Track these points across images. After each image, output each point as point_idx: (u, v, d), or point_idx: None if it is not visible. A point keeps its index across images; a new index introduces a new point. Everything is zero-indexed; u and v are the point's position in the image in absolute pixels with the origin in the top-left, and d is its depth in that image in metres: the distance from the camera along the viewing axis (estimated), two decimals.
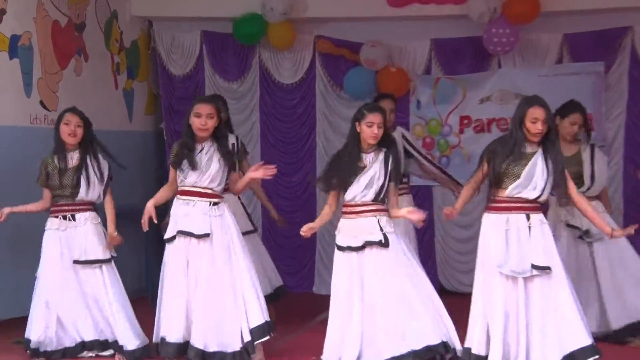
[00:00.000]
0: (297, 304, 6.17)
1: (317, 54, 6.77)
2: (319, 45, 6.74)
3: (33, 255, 4.84)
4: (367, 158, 4.30)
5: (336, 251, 4.32)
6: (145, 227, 4.35)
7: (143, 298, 6.42)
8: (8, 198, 5.22)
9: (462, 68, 6.57)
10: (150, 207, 4.41)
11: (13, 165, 5.39)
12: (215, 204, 4.43)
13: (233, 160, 4.49)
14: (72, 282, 4.58)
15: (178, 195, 4.45)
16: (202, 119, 4.40)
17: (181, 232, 4.38)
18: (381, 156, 4.27)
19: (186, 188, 4.42)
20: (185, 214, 4.39)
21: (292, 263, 6.87)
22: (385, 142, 4.29)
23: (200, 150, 4.42)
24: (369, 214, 4.24)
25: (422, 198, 6.60)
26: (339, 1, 6.52)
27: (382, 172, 4.25)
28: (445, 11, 6.41)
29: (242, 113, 6.89)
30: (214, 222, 4.39)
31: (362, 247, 4.22)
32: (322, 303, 6.07)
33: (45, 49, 5.70)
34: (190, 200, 4.40)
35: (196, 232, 4.36)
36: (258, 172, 4.38)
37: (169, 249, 4.48)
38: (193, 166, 4.36)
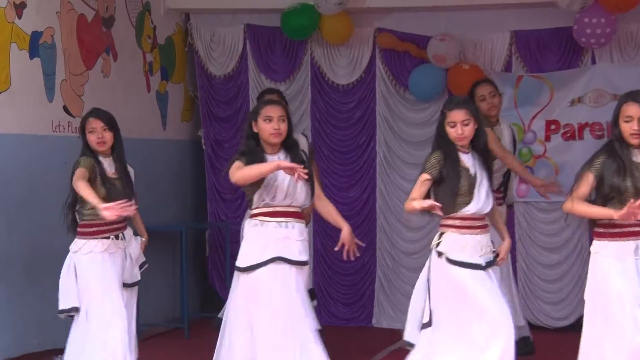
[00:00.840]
0: (355, 340, 6.09)
1: (378, 50, 6.67)
2: (380, 39, 6.63)
3: (54, 283, 4.66)
4: (465, 158, 4.14)
5: (455, 268, 4.05)
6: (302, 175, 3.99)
7: (179, 331, 6.31)
8: (27, 214, 5.25)
9: (549, 64, 6.43)
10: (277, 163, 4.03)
11: (32, 178, 5.38)
12: (305, 225, 4.29)
13: (310, 172, 4.15)
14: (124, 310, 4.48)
15: (263, 217, 4.16)
16: (274, 123, 4.15)
17: (282, 259, 4.10)
18: (476, 156, 4.17)
19: (280, 209, 4.17)
20: (283, 238, 4.14)
21: (349, 291, 6.81)
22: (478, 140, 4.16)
23: None
24: (485, 230, 4.14)
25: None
26: None
27: (485, 175, 4.13)
28: None
29: (290, 118, 6.76)
30: (305, 247, 4.23)
31: (485, 267, 4.08)
32: (385, 338, 5.95)
33: (70, 47, 5.69)
34: (287, 222, 4.16)
35: (297, 259, 4.15)
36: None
37: (255, 276, 4.12)
38: (280, 185, 4.10)
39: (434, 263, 4.08)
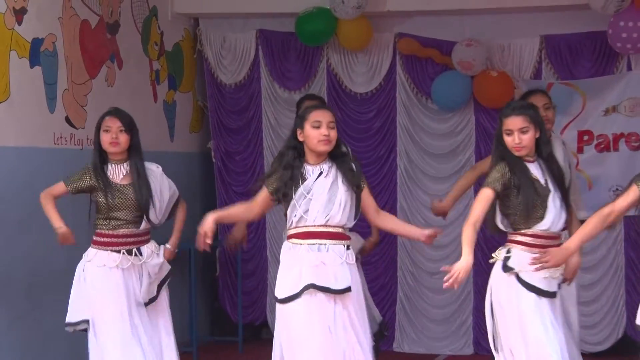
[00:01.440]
0: None
1: (398, 56, 6.66)
2: (401, 45, 6.62)
3: (55, 303, 4.66)
4: (532, 168, 4.05)
5: (522, 289, 3.93)
6: (203, 247, 3.95)
7: (187, 355, 6.32)
8: (27, 231, 5.21)
9: (581, 71, 6.40)
10: (210, 222, 3.93)
11: (33, 194, 5.25)
12: (349, 246, 4.03)
13: (358, 182, 4.03)
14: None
15: (296, 239, 3.99)
16: (323, 129, 3.99)
17: (315, 287, 3.89)
18: (543, 164, 4.07)
19: (311, 229, 3.96)
20: (317, 263, 3.92)
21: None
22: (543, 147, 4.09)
23: (319, 174, 4.00)
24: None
25: None
26: None
27: (557, 186, 4.03)
28: (559, 0, 6.23)
29: None
30: (352, 271, 4.00)
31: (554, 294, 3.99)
32: None
33: (72, 55, 5.69)
34: (321, 244, 3.95)
35: (335, 287, 3.92)
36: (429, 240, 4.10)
37: (290, 308, 3.96)
38: (313, 197, 3.94)
39: (498, 279, 3.95)
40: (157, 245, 4.61)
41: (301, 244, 3.96)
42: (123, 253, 4.45)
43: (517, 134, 3.96)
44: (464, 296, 6.59)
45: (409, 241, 6.70)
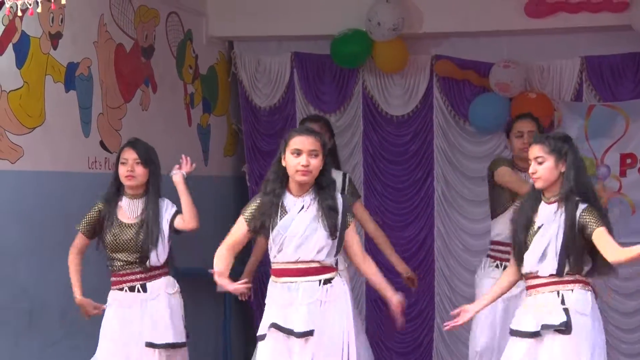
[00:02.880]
0: None
1: (436, 78, 6.68)
2: (438, 67, 6.64)
3: (90, 332, 4.68)
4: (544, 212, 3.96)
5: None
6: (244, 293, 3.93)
7: None
8: (61, 257, 5.11)
9: (623, 92, 6.37)
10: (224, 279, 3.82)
11: (67, 219, 5.28)
12: (328, 280, 3.81)
13: (335, 222, 3.77)
14: None
15: (273, 276, 3.86)
16: (302, 157, 3.74)
17: (278, 328, 3.78)
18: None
19: (282, 266, 3.79)
20: (284, 304, 3.78)
21: (404, 341, 6.74)
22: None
23: (300, 209, 3.79)
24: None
25: None
26: (462, 13, 6.39)
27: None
28: (600, 21, 6.19)
29: (341, 152, 6.66)
30: (326, 310, 3.78)
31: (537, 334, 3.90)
32: None
33: (107, 79, 5.73)
34: (291, 282, 3.79)
35: (296, 330, 3.77)
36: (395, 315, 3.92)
37: (259, 347, 3.92)
38: (289, 234, 3.74)
39: None
40: (173, 281, 4.47)
41: (276, 282, 3.83)
42: (125, 291, 4.36)
43: (534, 163, 3.88)
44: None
45: (447, 267, 6.68)
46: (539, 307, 3.84)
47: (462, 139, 6.63)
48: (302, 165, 3.73)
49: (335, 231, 3.78)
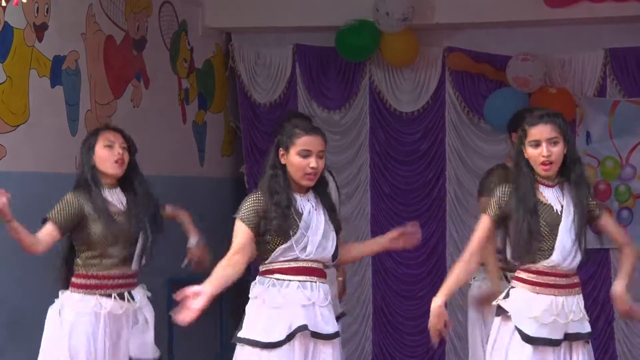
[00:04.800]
0: None
1: (448, 72, 6.70)
2: (451, 60, 6.65)
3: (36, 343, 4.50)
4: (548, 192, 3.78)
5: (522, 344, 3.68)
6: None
7: None
8: (43, 265, 4.93)
9: None
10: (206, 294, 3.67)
11: None
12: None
13: (339, 222, 3.84)
14: None
15: (281, 274, 3.74)
16: (312, 159, 3.70)
17: (304, 330, 3.66)
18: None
19: (302, 264, 3.71)
20: (306, 304, 3.69)
21: (414, 353, 6.77)
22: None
23: (310, 208, 3.75)
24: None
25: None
26: (477, 2, 6.46)
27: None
28: (625, 11, 6.17)
29: (346, 152, 6.87)
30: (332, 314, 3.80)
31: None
32: None
33: (96, 74, 5.72)
34: (312, 282, 3.71)
35: (325, 332, 3.71)
36: (397, 242, 3.85)
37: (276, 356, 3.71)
38: (306, 230, 3.69)
39: (495, 325, 3.72)
40: (146, 291, 4.28)
41: (288, 280, 3.72)
42: (115, 298, 4.10)
43: (546, 145, 3.66)
44: None
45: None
46: (560, 311, 3.65)
47: (477, 138, 6.65)
48: (312, 168, 3.69)
49: (340, 231, 3.82)
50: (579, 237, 3.65)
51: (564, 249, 3.62)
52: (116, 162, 4.13)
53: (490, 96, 6.45)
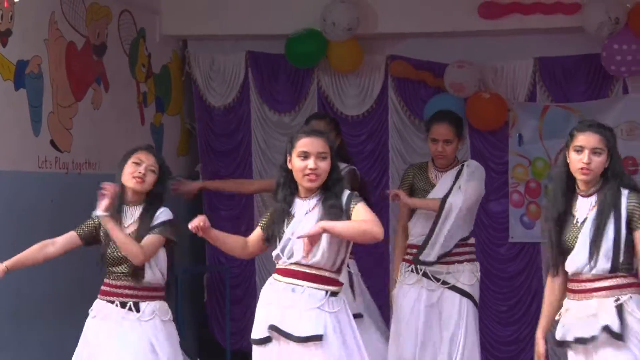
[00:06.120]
0: None
1: (391, 79, 6.76)
2: (393, 67, 6.74)
3: (39, 331, 4.62)
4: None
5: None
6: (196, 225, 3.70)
7: None
8: (9, 255, 4.98)
9: (576, 94, 6.52)
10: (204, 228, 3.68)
11: (15, 218, 5.32)
12: (333, 293, 3.67)
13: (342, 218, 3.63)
14: None
15: (277, 274, 3.74)
16: (311, 160, 3.64)
17: (276, 330, 3.63)
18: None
19: (294, 267, 3.65)
20: (287, 305, 3.65)
21: None
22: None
23: (306, 211, 3.68)
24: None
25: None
26: (417, 13, 6.48)
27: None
28: (553, 22, 6.31)
29: None
30: (328, 320, 3.63)
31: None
32: None
33: (58, 77, 5.71)
34: (298, 285, 3.65)
35: (297, 334, 3.61)
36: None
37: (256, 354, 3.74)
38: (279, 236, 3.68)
39: None
40: (167, 310, 4.20)
41: (279, 282, 3.72)
42: (116, 305, 4.10)
43: (589, 153, 3.60)
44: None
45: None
46: (587, 312, 3.62)
47: (417, 139, 6.66)
48: (310, 169, 3.63)
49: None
50: (595, 243, 3.59)
51: (577, 259, 3.61)
52: (136, 178, 4.10)
53: (429, 100, 6.52)
